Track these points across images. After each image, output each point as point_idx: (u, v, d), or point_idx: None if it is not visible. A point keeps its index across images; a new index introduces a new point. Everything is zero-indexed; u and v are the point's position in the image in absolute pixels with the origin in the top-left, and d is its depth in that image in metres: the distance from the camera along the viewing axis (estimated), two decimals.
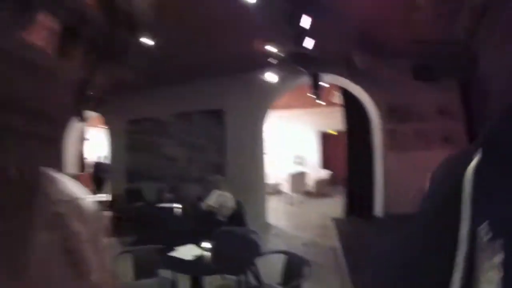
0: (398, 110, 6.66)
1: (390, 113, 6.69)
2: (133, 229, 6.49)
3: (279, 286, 3.27)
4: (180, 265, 3.13)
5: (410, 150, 6.62)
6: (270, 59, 5.58)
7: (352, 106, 7.49)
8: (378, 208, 6.82)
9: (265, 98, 7.26)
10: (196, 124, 7.97)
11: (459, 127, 6.54)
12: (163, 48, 5.17)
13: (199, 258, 3.23)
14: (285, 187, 10.39)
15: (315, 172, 11.96)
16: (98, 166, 12.27)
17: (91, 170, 12.11)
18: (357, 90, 7.02)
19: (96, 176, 11.54)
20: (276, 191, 11.87)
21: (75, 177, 9.32)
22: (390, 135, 6.68)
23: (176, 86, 7.90)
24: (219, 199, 5.41)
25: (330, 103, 10.62)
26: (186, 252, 3.35)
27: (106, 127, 9.63)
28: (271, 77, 5.71)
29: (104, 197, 8.11)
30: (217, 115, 7.70)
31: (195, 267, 3.11)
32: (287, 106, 12.02)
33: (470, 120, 6.51)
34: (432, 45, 5.59)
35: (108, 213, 7.97)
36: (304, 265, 3.05)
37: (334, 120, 11.70)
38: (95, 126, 12.56)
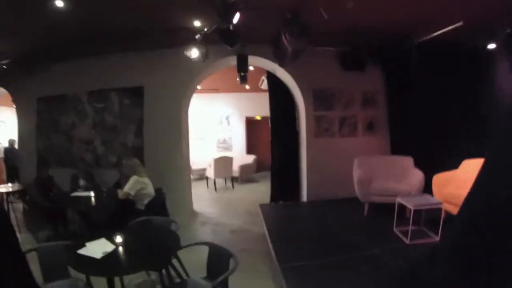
0: (324, 97, 6.71)
1: (316, 99, 6.70)
2: (47, 222, 5.83)
3: (204, 280, 2.99)
4: (90, 265, 2.64)
5: (335, 137, 6.75)
6: (196, 36, 5.22)
7: (278, 91, 7.40)
8: (304, 193, 6.85)
9: (189, 77, 6.75)
10: (112, 103, 7.24)
11: (381, 115, 6.82)
12: (76, 13, 4.59)
13: (112, 255, 2.77)
14: (210, 173, 10.10)
15: (241, 157, 11.80)
16: (9, 151, 10.96)
17: (2, 156, 10.83)
18: (284, 76, 6.91)
19: (9, 163, 10.29)
20: (200, 176, 11.59)
21: None
22: (316, 122, 6.71)
23: (92, 59, 7.10)
24: (137, 185, 4.95)
25: (255, 88, 10.54)
26: (97, 248, 2.85)
27: (14, 106, 8.52)
28: (195, 54, 5.34)
29: (14, 186, 7.18)
30: (136, 93, 7.02)
31: (107, 267, 2.63)
32: (213, 90, 11.79)
33: (392, 108, 6.81)
34: (361, 34, 5.69)
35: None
36: (229, 257, 2.82)
37: (259, 105, 11.82)
38: (10, 106, 11.06)
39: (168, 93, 6.79)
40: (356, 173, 5.54)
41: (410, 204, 4.22)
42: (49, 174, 6.55)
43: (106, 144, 7.34)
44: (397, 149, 6.57)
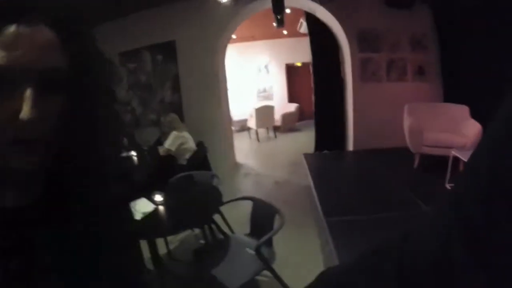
0: (370, 38, 6.19)
1: (362, 41, 6.21)
2: None
3: (247, 237, 2.88)
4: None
5: (383, 81, 6.30)
6: None
7: (319, 34, 6.87)
8: (350, 142, 6.57)
9: (221, 25, 6.40)
10: (145, 61, 7.11)
11: (432, 59, 6.22)
12: None
13: (153, 216, 2.71)
14: (251, 123, 9.99)
15: (282, 106, 11.51)
16: None
17: None
18: (325, 16, 6.38)
19: None
20: (242, 128, 11.53)
21: None
22: (362, 65, 6.26)
23: (119, 20, 6.94)
24: (177, 140, 4.91)
25: (294, 33, 10.04)
26: (136, 209, 2.81)
27: None
28: None
29: None
30: (168, 48, 6.80)
31: (146, 229, 2.58)
32: (250, 38, 11.34)
33: (443, 52, 6.18)
34: None
35: None
36: (274, 213, 2.66)
37: (299, 51, 11.27)
38: None
39: (201, 45, 6.53)
40: (407, 122, 5.15)
41: (467, 158, 3.81)
42: None
43: (143, 103, 7.34)
44: (450, 97, 5.97)
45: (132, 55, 7.13)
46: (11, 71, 0.41)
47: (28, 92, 0.43)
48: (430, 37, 6.20)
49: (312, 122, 7.63)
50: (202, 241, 3.87)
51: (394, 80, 6.27)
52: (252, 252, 2.59)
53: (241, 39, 11.02)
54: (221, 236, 3.33)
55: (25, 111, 0.42)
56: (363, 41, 6.15)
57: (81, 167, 0.53)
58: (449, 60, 6.09)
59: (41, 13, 0.45)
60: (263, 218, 2.76)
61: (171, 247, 3.87)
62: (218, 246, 2.90)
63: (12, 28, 0.41)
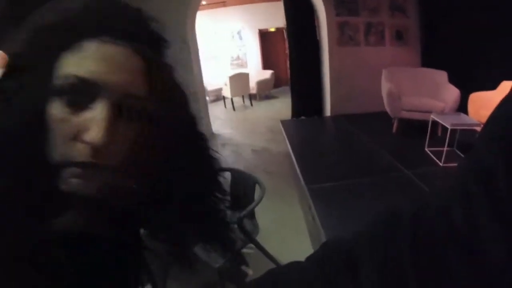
0: (348, 1, 6.00)
1: (339, 4, 6.01)
2: None
3: (227, 210, 2.78)
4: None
5: (361, 45, 6.17)
6: None
7: None
8: (327, 108, 6.48)
9: None
10: None
11: (412, 24, 6.12)
12: None
13: None
14: (226, 92, 9.76)
15: (257, 73, 11.25)
16: None
17: None
18: None
19: None
20: (216, 97, 11.29)
21: None
22: (339, 29, 6.09)
23: None
24: None
25: None
26: None
27: None
28: None
29: None
30: None
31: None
32: (220, 3, 10.92)
33: (422, 17, 6.08)
34: None
35: None
36: (254, 183, 2.55)
37: (273, 16, 11.00)
38: None
39: (169, 12, 6.17)
40: (385, 86, 5.08)
41: (447, 123, 3.74)
42: None
43: None
44: (428, 62, 5.93)
45: None
46: (91, 85, 0.39)
47: (104, 113, 0.39)
48: (410, 1, 6.07)
49: (288, 88, 7.52)
50: None
51: (372, 44, 6.15)
52: (234, 226, 2.50)
53: (211, 5, 10.62)
54: None
55: (97, 132, 0.38)
56: (340, 2, 5.96)
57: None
58: (428, 26, 6.02)
59: (130, 36, 0.44)
60: (243, 189, 2.63)
61: None
62: None
63: (102, 45, 0.41)
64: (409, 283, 0.31)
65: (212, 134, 7.15)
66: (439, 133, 4.41)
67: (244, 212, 2.25)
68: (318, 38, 6.59)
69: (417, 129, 4.61)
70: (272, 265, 2.54)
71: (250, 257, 2.85)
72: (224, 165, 3.65)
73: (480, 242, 0.27)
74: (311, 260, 0.44)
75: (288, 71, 7.10)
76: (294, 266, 0.46)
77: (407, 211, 0.35)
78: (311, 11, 6.55)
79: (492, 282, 0.27)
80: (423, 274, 0.31)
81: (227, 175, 2.88)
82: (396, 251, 0.33)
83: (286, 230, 3.23)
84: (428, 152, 4.12)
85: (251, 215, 2.48)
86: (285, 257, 2.71)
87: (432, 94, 4.98)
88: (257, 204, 2.31)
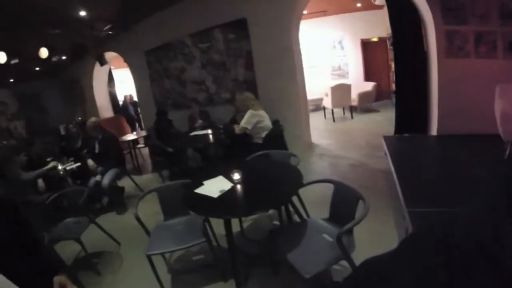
0: (456, 8, 5.57)
1: (447, 11, 5.61)
2: (169, 162, 6.32)
3: (326, 222, 2.77)
4: (207, 206, 2.61)
5: (471, 57, 5.67)
6: None
7: (398, 6, 6.29)
8: (433, 126, 6.07)
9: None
10: (217, 40, 7.17)
11: None
12: None
13: (230, 194, 2.69)
14: (327, 102, 9.72)
15: (358, 84, 10.96)
16: (124, 106, 12.63)
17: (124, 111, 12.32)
18: None
19: (127, 116, 11.63)
20: (316, 107, 11.29)
21: (110, 121, 9.51)
22: (447, 38, 5.68)
23: (187, 1, 7.13)
24: (253, 119, 4.90)
25: (368, 5, 9.49)
26: (214, 187, 2.82)
27: (127, 64, 9.31)
28: None
29: (137, 134, 8.13)
30: (239, 26, 6.76)
31: (223, 208, 2.55)
32: (322, 12, 10.93)
33: None
34: None
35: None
36: (357, 199, 2.51)
37: (375, 25, 10.78)
38: (122, 67, 12.67)
39: (273, 21, 6.40)
40: (499, 104, 4.55)
41: None
42: (167, 118, 6.90)
43: (217, 81, 7.47)
44: None
45: (204, 35, 7.27)
46: None
47: None
48: None
49: (389, 102, 7.21)
50: (276, 222, 3.86)
51: (482, 56, 5.61)
52: (330, 239, 2.50)
53: (313, 14, 10.68)
54: (297, 219, 3.28)
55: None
56: (448, 10, 5.55)
57: None
58: None
59: None
60: (345, 203, 2.63)
61: (245, 225, 3.92)
62: (294, 229, 2.81)
63: None
64: None
65: (311, 143, 7.18)
66: None
67: (345, 228, 2.26)
68: (425, 49, 6.23)
69: None
70: None
71: (337, 273, 2.84)
72: (322, 176, 3.68)
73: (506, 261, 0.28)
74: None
75: (391, 83, 6.78)
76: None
77: (435, 229, 0.36)
78: (417, 20, 6.22)
79: None
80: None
81: (325, 186, 2.90)
82: (428, 263, 0.35)
83: (379, 250, 3.12)
84: None
85: (350, 231, 2.46)
86: None
87: None
88: (360, 221, 2.29)
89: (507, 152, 4.43)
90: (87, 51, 8.98)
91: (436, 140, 5.75)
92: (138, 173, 7.05)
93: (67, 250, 3.81)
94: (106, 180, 4.88)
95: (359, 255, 2.79)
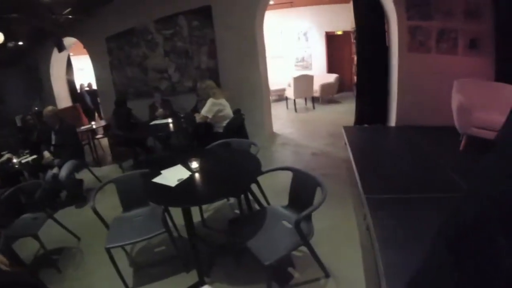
0: (421, 4, 5.75)
1: (411, 7, 5.79)
2: (129, 152, 6.17)
3: (285, 209, 2.82)
4: (164, 195, 2.55)
5: (432, 52, 5.88)
6: None
7: (363, 0, 6.43)
8: (392, 117, 6.28)
9: None
10: (181, 27, 7.02)
11: (487, 32, 5.71)
12: None
13: (188, 183, 2.65)
14: (290, 93, 9.81)
15: (321, 76, 11.12)
16: (82, 94, 12.08)
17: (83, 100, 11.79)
18: None
19: (83, 106, 11.12)
20: (279, 97, 11.37)
21: (67, 111, 9.07)
22: (410, 33, 5.86)
23: None
24: (214, 107, 4.86)
25: None
26: (172, 176, 2.77)
27: (86, 50, 8.91)
28: None
29: (96, 124, 7.77)
30: (203, 13, 6.66)
31: (181, 197, 2.49)
32: (288, 3, 10.98)
33: (499, 24, 5.66)
34: None
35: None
36: (316, 186, 2.54)
37: (340, 19, 10.95)
38: (82, 54, 11.99)
39: (238, 9, 6.36)
40: (456, 99, 4.77)
41: None
42: (127, 107, 6.72)
43: (180, 70, 7.33)
44: (503, 76, 5.48)
45: (168, 21, 7.11)
46: None
47: None
48: (486, 7, 5.67)
49: (351, 94, 7.38)
50: (236, 211, 3.88)
51: (443, 52, 5.84)
52: (289, 226, 2.55)
53: (279, 5, 10.72)
54: (256, 207, 3.30)
55: None
56: (413, 6, 5.72)
57: None
58: (505, 34, 5.57)
59: None
60: (303, 190, 2.67)
61: (205, 215, 3.91)
62: (253, 217, 2.84)
63: None
64: None
65: (273, 133, 7.23)
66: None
67: (303, 214, 2.29)
68: (387, 43, 6.40)
69: (487, 149, 4.31)
70: (319, 270, 2.57)
71: (298, 260, 2.88)
72: (285, 164, 3.72)
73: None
74: None
75: (353, 76, 6.93)
76: None
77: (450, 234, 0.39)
78: (381, 15, 6.39)
79: None
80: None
81: (285, 174, 2.94)
82: (436, 255, 0.38)
83: (338, 236, 3.22)
84: None
85: (308, 218, 2.51)
86: (334, 264, 2.72)
87: (506, 112, 4.56)
88: (317, 207, 2.33)
89: (462, 144, 4.65)
90: (45, 36, 8.55)
91: (394, 131, 5.95)
92: (97, 164, 6.82)
93: (26, 247, 3.66)
94: (63, 172, 4.69)
95: (321, 240, 2.88)
